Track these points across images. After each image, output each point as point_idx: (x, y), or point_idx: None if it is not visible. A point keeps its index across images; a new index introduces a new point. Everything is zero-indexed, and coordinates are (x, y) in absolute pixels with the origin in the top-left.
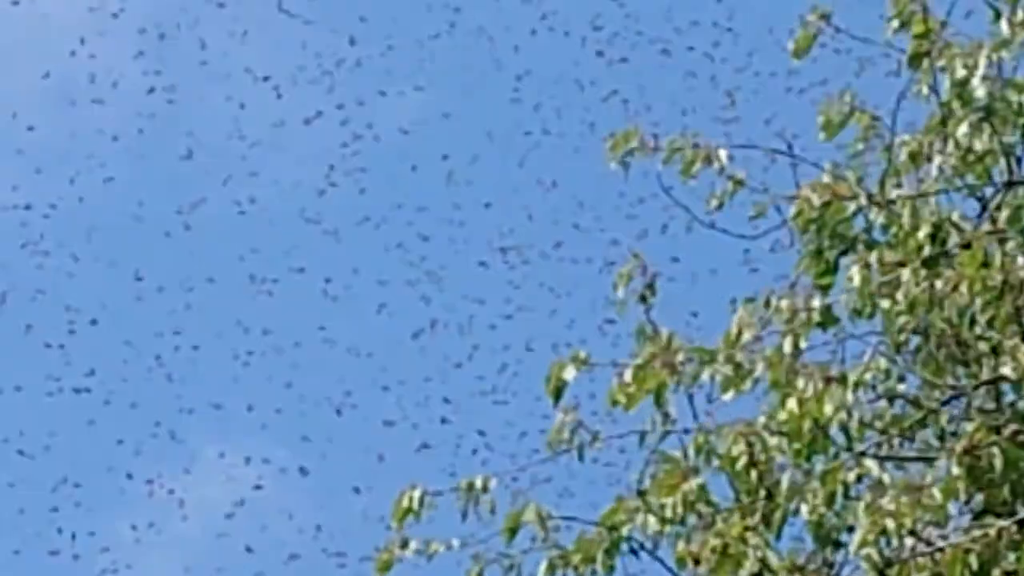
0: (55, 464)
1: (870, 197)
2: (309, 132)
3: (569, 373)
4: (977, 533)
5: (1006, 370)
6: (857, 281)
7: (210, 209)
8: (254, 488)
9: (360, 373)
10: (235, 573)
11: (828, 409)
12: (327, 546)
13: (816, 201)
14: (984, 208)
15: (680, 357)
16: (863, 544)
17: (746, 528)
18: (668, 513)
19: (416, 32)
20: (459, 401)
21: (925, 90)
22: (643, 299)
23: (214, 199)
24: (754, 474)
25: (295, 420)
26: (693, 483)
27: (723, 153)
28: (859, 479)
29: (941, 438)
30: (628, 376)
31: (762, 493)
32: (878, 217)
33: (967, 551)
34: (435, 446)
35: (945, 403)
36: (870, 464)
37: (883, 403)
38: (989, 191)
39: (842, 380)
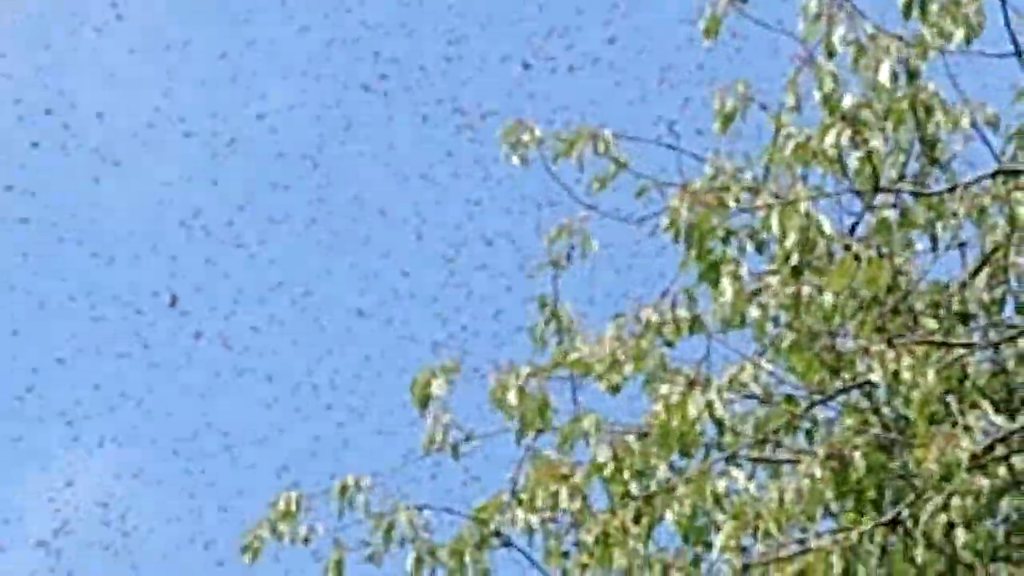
0: None
1: (739, 203)
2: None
3: (437, 384)
4: (839, 536)
5: (874, 376)
6: (729, 294)
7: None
8: (108, 492)
9: (229, 373)
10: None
11: (692, 411)
12: (189, 552)
13: (685, 213)
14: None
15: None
16: (725, 548)
17: (616, 527)
18: (539, 504)
19: (286, 26)
20: (327, 402)
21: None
22: (555, 264)
23: (74, 192)
24: (626, 475)
25: (155, 423)
26: (566, 482)
27: (607, 134)
28: (726, 487)
29: (811, 441)
30: (513, 397)
31: (634, 493)
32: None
33: (828, 553)
34: (303, 452)
35: (811, 406)
36: (736, 472)
37: (756, 405)
38: (855, 199)
39: (706, 383)
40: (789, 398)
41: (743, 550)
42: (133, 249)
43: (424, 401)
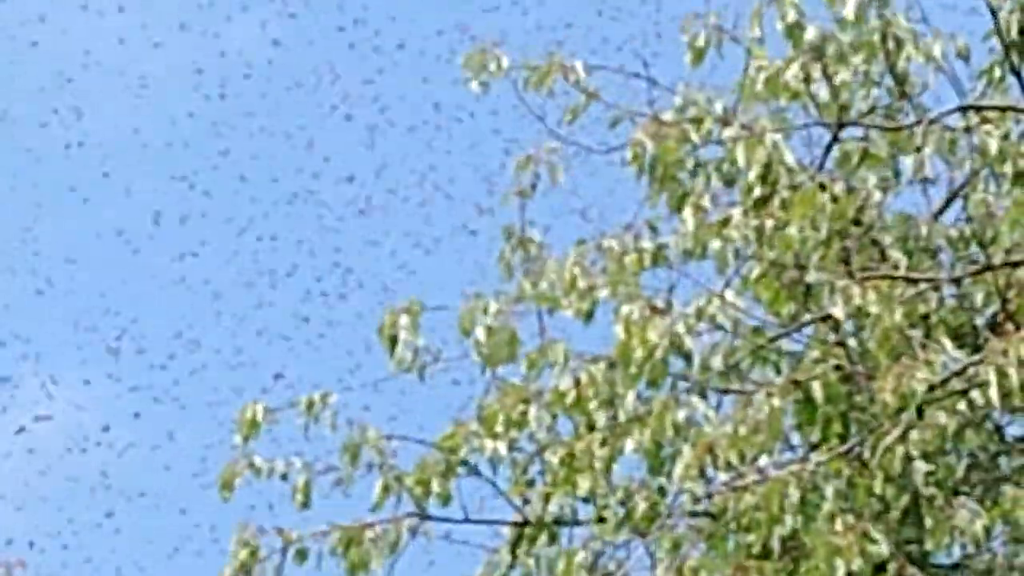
0: None
1: (706, 135)
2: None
3: (402, 324)
4: (796, 467)
5: (837, 311)
6: (691, 224)
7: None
8: (83, 421)
9: (203, 307)
10: (71, 508)
11: (653, 336)
12: (164, 480)
13: (649, 145)
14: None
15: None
16: (684, 477)
17: (581, 451)
18: (504, 431)
19: None
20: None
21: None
22: (521, 194)
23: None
24: (592, 405)
25: (132, 355)
26: (530, 409)
27: (579, 66)
28: (687, 417)
29: (778, 372)
30: (481, 333)
31: (599, 422)
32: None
33: (786, 484)
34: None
35: (778, 337)
36: (697, 402)
37: (723, 336)
38: (819, 132)
39: (667, 308)
40: (756, 329)
41: (708, 480)
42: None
43: (392, 341)
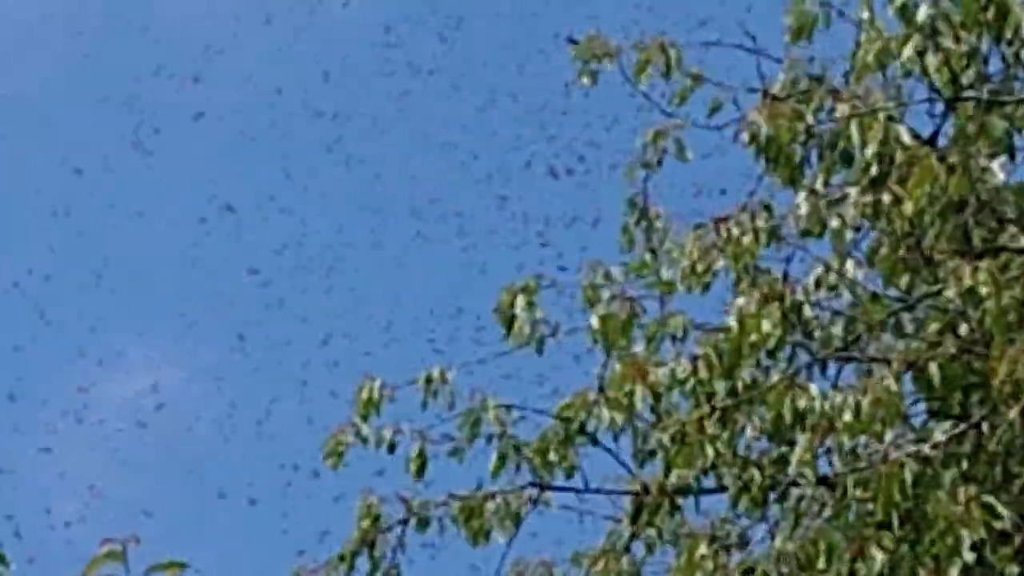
0: None
1: (817, 109)
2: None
3: (519, 305)
4: (911, 449)
5: (949, 292)
6: (805, 207)
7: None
8: (181, 387)
9: (306, 274)
10: (181, 482)
11: (767, 326)
12: (266, 447)
13: (763, 124)
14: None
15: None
16: (801, 462)
17: (703, 419)
18: (631, 401)
19: None
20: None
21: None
22: (646, 166)
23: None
24: (715, 373)
25: (231, 321)
26: (658, 372)
27: (680, 50)
28: (806, 403)
29: (902, 336)
30: (595, 321)
31: (719, 396)
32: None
33: (901, 465)
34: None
35: (896, 312)
36: (813, 389)
37: (843, 306)
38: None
39: (786, 286)
40: (875, 298)
41: (828, 453)
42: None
43: (509, 322)
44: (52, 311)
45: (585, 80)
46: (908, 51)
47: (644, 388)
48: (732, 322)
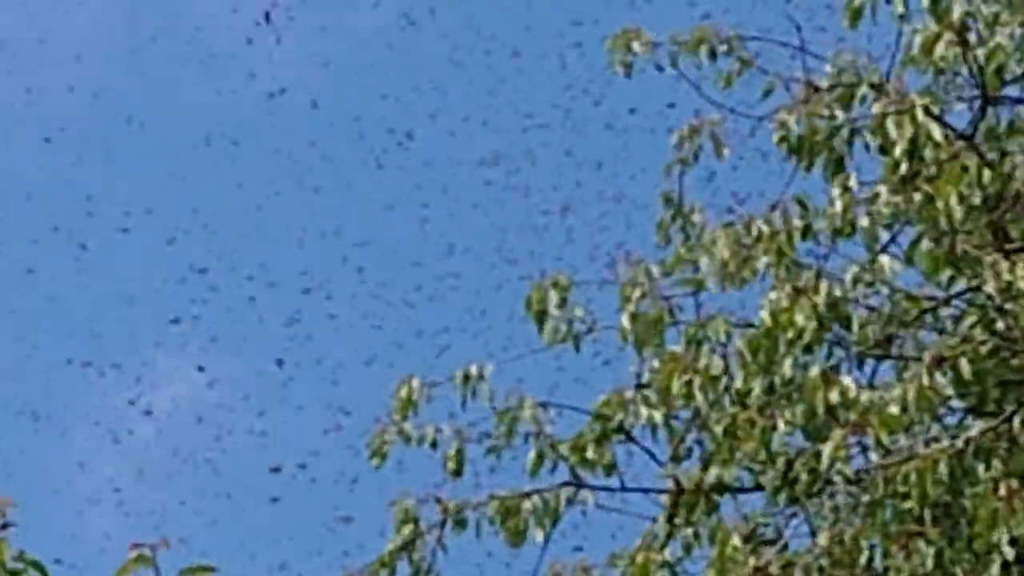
0: (15, 378)
1: (859, 101)
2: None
3: (551, 299)
4: (945, 444)
5: (987, 287)
6: (839, 205)
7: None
8: (219, 397)
9: (338, 274)
10: (215, 487)
11: (800, 319)
12: (298, 456)
13: (793, 124)
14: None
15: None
16: (834, 458)
17: (739, 417)
18: (673, 394)
19: None
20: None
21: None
22: (682, 163)
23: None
24: (750, 370)
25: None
26: (700, 364)
27: (732, 34)
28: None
29: (940, 332)
30: (626, 319)
31: (758, 388)
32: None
33: (936, 461)
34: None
35: (930, 309)
36: (848, 382)
37: (880, 302)
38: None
39: (819, 281)
40: (912, 296)
41: (864, 451)
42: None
43: (540, 317)
44: (85, 326)
45: (619, 70)
46: (941, 48)
47: (684, 383)
48: (765, 315)
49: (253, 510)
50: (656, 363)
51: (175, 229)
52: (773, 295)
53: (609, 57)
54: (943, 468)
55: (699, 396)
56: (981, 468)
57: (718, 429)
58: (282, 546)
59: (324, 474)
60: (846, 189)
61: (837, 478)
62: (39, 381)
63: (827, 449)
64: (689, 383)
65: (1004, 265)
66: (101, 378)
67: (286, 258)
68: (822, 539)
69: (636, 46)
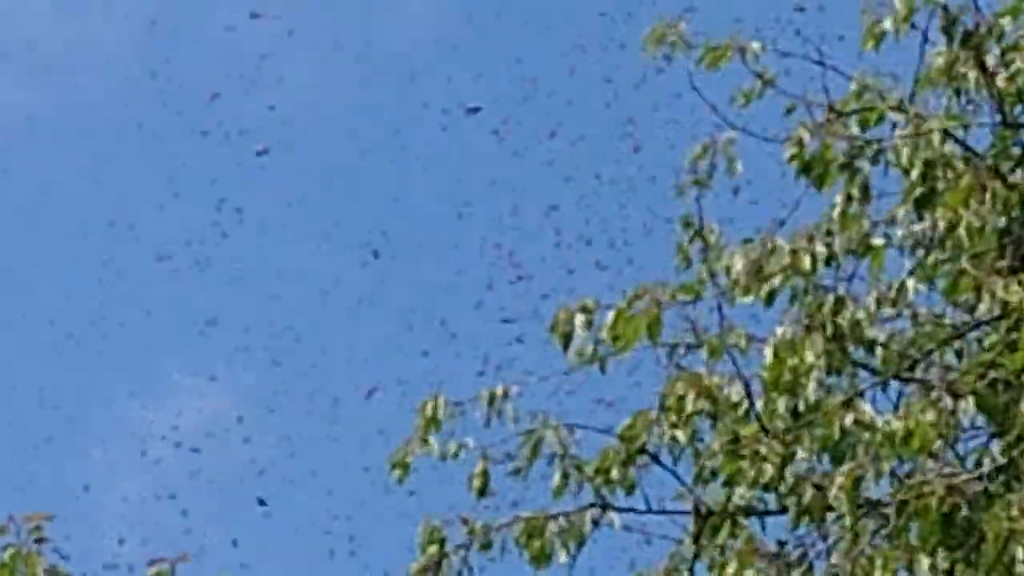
0: (28, 393)
1: (883, 121)
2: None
3: (578, 322)
4: (959, 471)
5: (982, 307)
6: (854, 231)
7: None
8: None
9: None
10: (233, 503)
11: (810, 356)
12: (316, 472)
13: (808, 142)
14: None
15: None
16: (843, 488)
17: (759, 440)
18: (689, 410)
19: None
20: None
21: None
22: (698, 184)
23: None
24: (771, 395)
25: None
26: (712, 383)
27: (756, 46)
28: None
29: (961, 358)
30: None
31: (781, 409)
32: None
33: (941, 499)
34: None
35: (950, 339)
36: (866, 408)
37: (905, 324)
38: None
39: (842, 303)
40: (937, 318)
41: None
42: None
43: (566, 340)
44: (99, 341)
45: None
46: (967, 61)
47: (701, 401)
48: (768, 352)
49: (274, 527)
50: (678, 383)
51: (199, 243)
52: (779, 330)
53: (647, 50)
54: (960, 495)
55: (713, 417)
56: (1004, 492)
57: (736, 451)
58: (302, 563)
59: (345, 493)
60: (863, 210)
61: (839, 505)
62: (60, 398)
63: (835, 480)
64: (705, 400)
65: (999, 283)
66: (123, 395)
67: (309, 271)
68: (836, 558)
69: (671, 40)
